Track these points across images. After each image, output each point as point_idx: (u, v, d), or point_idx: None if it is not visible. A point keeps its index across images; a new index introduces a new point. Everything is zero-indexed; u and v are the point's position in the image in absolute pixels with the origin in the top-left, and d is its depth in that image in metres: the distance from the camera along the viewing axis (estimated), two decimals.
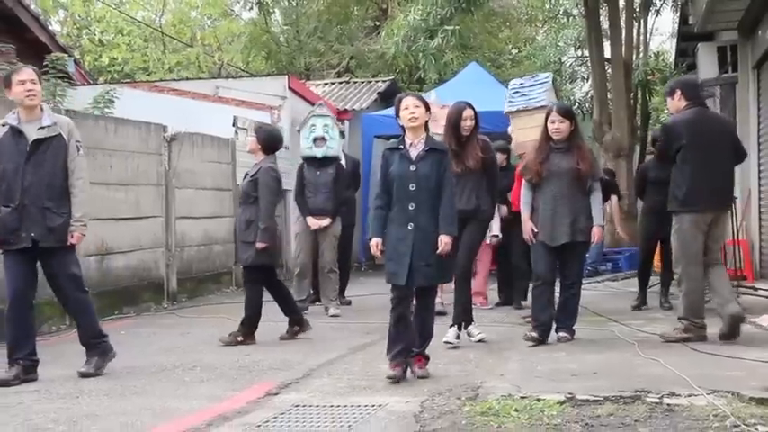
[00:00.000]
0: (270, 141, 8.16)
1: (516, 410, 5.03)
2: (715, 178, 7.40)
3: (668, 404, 5.12)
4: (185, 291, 11.83)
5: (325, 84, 21.09)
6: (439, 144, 6.34)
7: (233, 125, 13.61)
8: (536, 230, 7.42)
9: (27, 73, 6.30)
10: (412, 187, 5.96)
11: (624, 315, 8.91)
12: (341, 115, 16.29)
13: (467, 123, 7.35)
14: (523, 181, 7.69)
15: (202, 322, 9.54)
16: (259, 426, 4.94)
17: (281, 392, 5.82)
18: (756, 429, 4.53)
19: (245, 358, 7.15)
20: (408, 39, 16.64)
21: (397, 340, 5.94)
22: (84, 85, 15.79)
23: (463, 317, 7.41)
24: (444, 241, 5.93)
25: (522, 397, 5.32)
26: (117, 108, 12.77)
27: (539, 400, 5.24)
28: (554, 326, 7.46)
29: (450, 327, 7.32)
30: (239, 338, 7.86)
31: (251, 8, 27.10)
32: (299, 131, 10.29)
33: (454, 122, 7.34)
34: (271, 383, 6.07)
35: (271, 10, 26.83)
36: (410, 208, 5.96)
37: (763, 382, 5.40)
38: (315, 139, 9.78)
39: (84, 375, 6.38)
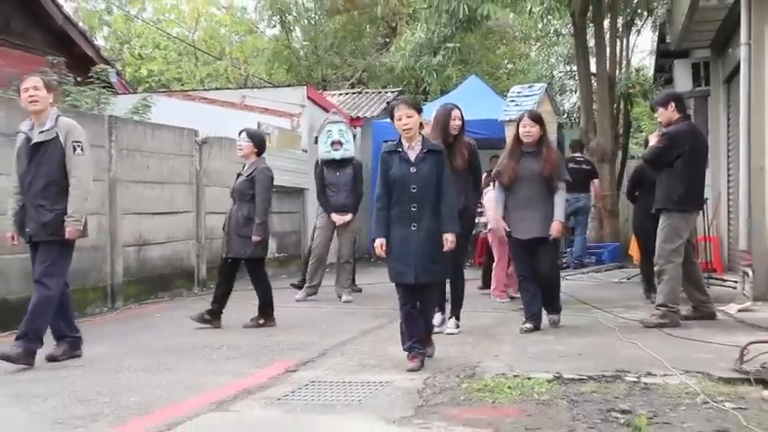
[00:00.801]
0: (262, 145, 8.11)
1: (509, 387, 5.04)
2: (701, 183, 7.66)
3: (645, 383, 5.13)
4: (214, 278, 11.70)
5: (340, 94, 21.09)
6: (435, 145, 5.95)
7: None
8: (508, 229, 7.30)
9: (30, 81, 6.14)
10: (413, 189, 5.66)
11: (606, 303, 8.88)
12: (354, 122, 16.33)
13: (455, 123, 7.10)
14: (497, 182, 7.52)
15: (229, 306, 9.48)
16: (279, 399, 4.95)
17: (299, 370, 5.83)
18: (724, 405, 4.54)
19: (267, 339, 7.16)
20: (414, 54, 16.63)
21: (410, 334, 5.71)
22: (125, 93, 15.85)
23: (455, 309, 7.24)
24: (449, 239, 5.68)
25: (515, 375, 5.32)
26: (154, 114, 12.76)
27: (529, 378, 5.24)
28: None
29: (449, 318, 7.20)
30: (261, 321, 7.88)
31: (274, 26, 27.18)
32: (316, 138, 10.26)
33: (443, 123, 7.06)
34: (290, 362, 6.07)
35: (292, 28, 26.87)
36: (413, 209, 5.66)
37: (730, 364, 5.40)
38: (332, 143, 9.74)
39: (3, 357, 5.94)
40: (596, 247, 14.67)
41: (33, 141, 6.12)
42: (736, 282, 9.70)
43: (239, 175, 8.12)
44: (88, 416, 4.64)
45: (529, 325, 7.16)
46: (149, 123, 11.43)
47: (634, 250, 12.21)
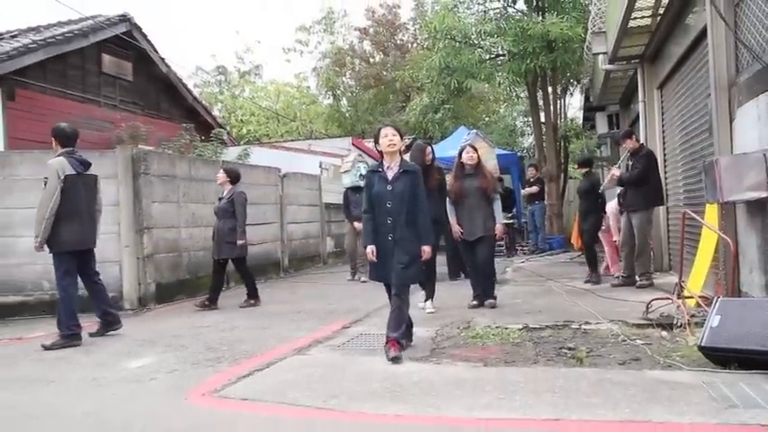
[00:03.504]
0: (235, 176, 7.58)
1: (493, 335, 5.03)
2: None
3: (584, 329, 5.10)
4: (293, 267, 11.88)
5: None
6: (411, 166, 4.81)
7: (319, 167, 13.71)
8: (461, 231, 6.61)
9: None
10: (389, 204, 4.57)
11: (556, 276, 8.80)
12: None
13: (429, 156, 6.56)
14: (448, 197, 6.81)
15: (303, 285, 9.60)
16: (339, 346, 4.97)
17: (352, 326, 5.84)
18: (636, 342, 4.52)
19: (329, 307, 7.16)
20: (422, 113, 16.68)
21: (396, 326, 4.54)
22: (233, 146, 16.01)
23: (430, 295, 6.53)
24: (426, 251, 4.62)
25: (497, 327, 5.31)
26: (251, 158, 12.94)
27: (506, 328, 5.23)
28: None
29: (425, 301, 6.48)
30: (252, 302, 7.43)
31: (329, 98, 27.29)
32: (344, 172, 10.26)
33: (420, 156, 6.36)
34: (345, 321, 6.09)
35: (340, 98, 26.98)
36: (388, 221, 4.58)
37: (639, 314, 5.34)
38: (360, 176, 9.83)
39: (44, 347, 5.30)
40: (549, 238, 14.57)
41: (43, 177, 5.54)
42: None
43: (220, 198, 7.60)
44: (214, 359, 4.71)
45: (475, 302, 6.50)
46: (249, 165, 11.53)
47: (575, 240, 12.08)
